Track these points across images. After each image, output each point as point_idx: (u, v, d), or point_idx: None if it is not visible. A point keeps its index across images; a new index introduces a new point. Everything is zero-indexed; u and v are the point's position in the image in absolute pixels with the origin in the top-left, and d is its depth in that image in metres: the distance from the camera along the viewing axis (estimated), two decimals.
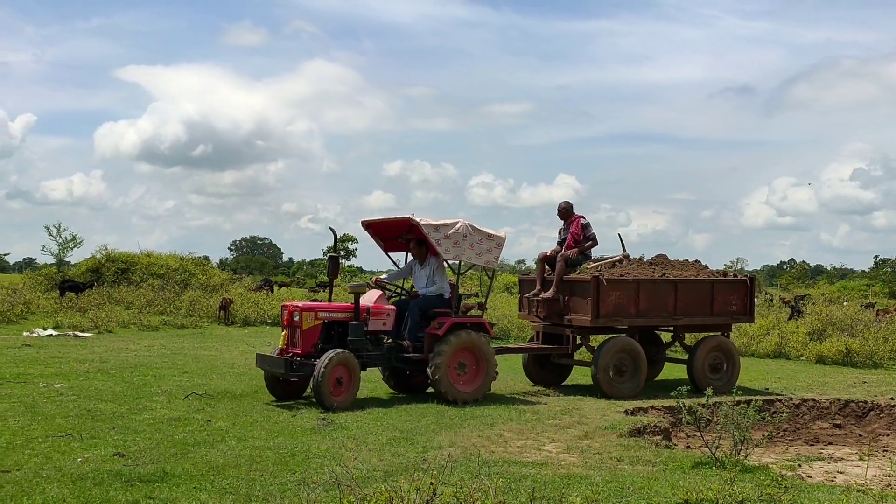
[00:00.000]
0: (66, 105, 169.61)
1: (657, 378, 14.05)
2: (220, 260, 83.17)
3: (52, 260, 42.33)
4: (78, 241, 42.42)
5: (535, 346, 13.49)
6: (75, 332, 20.56)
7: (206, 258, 42.39)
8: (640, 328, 12.85)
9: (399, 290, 12.45)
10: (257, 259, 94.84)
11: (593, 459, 7.84)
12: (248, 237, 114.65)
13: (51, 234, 42.46)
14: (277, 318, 27.21)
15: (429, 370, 11.04)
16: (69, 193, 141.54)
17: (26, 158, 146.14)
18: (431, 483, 4.89)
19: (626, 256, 13.42)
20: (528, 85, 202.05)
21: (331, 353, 10.53)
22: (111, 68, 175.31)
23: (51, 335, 20.10)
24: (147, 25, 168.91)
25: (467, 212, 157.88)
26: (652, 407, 11.16)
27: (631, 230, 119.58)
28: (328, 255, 12.18)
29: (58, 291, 26.77)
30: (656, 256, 13.66)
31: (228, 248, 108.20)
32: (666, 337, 14.07)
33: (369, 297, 11.59)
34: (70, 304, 24.91)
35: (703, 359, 12.92)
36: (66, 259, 42.14)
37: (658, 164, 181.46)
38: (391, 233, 12.52)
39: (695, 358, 12.92)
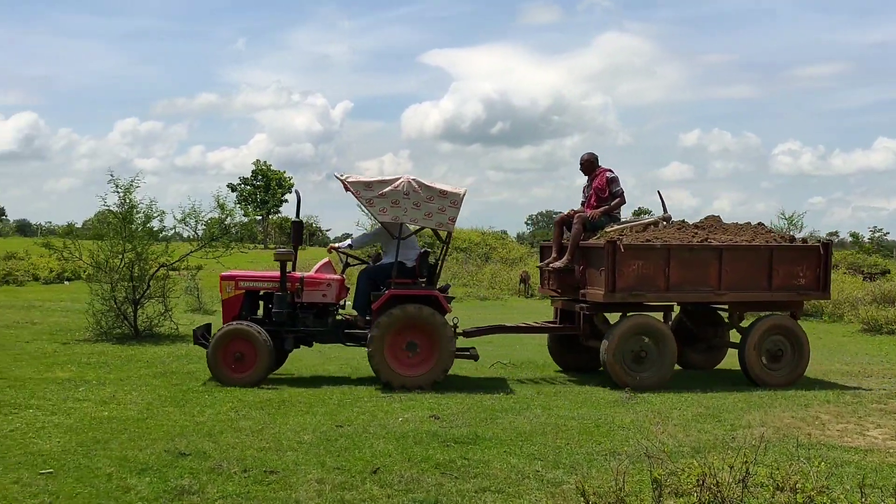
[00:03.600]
0: (378, 90, 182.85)
1: (719, 366, 11.99)
2: (518, 234, 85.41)
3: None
4: None
5: (532, 325, 11.73)
6: None
7: (505, 232, 43.70)
8: (684, 305, 11.04)
9: (356, 258, 10.86)
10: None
11: None
12: (544, 211, 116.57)
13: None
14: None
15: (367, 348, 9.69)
16: (380, 172, 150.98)
17: (344, 142, 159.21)
18: (745, 462, 4.71)
19: (667, 218, 11.24)
20: (839, 44, 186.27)
21: (226, 327, 9.73)
22: (416, 54, 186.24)
23: None
24: (448, 10, 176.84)
25: (771, 181, 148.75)
26: None
27: None
28: (292, 220, 10.54)
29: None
30: (706, 218, 11.34)
31: (525, 223, 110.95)
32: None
33: (321, 267, 10.46)
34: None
35: (757, 344, 10.41)
36: None
37: None
38: None
39: (746, 343, 10.42)
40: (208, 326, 10.32)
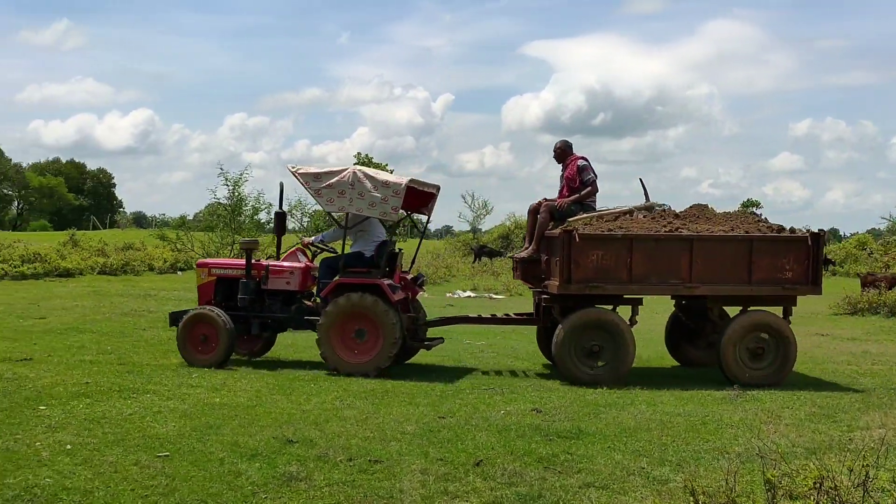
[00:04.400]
0: (479, 83, 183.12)
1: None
2: None
3: (466, 227, 45.86)
4: (489, 208, 45.50)
5: (499, 316, 11.42)
6: (490, 295, 22.19)
7: None
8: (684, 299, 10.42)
9: (325, 248, 11.00)
10: None
11: None
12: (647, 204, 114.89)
13: (466, 202, 46.11)
14: None
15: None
16: (481, 165, 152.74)
17: (444, 134, 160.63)
18: (865, 465, 4.51)
19: (650, 207, 10.59)
20: None
21: (191, 311, 10.28)
22: (518, 45, 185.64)
23: (469, 296, 21.94)
24: (550, 0, 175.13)
25: (888, 171, 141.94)
26: None
27: None
28: (275, 211, 10.81)
29: (472, 256, 29.07)
30: (691, 207, 10.62)
31: None
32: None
33: (288, 255, 10.89)
34: (484, 268, 26.92)
35: (735, 341, 9.73)
36: (479, 226, 45.56)
37: None
38: None
39: (722, 339, 9.77)
40: (186, 311, 10.60)
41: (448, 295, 22.25)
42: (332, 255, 10.76)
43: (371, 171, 10.25)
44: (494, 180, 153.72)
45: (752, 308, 10.02)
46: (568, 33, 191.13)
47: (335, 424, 7.06)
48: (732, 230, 9.83)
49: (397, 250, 10.80)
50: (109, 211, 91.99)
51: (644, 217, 10.24)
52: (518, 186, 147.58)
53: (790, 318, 10.10)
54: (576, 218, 10.18)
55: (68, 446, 6.10)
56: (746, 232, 9.78)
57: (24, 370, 9.16)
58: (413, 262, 12.35)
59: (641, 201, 10.76)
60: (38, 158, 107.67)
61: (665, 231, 9.78)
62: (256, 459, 5.94)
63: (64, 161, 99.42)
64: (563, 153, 11.02)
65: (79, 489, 5.20)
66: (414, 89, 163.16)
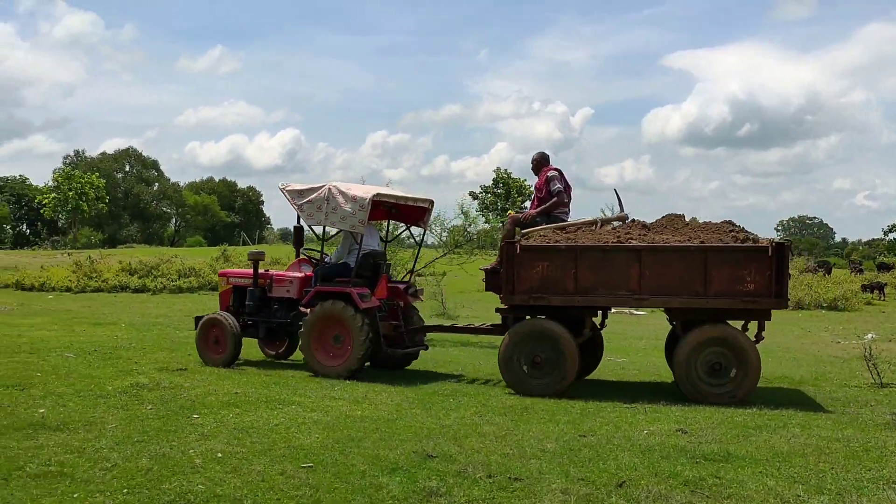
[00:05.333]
0: (618, 95, 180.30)
1: None
2: None
3: None
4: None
5: (470, 326, 11.62)
6: (631, 311, 21.72)
7: None
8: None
9: (318, 260, 11.55)
10: (807, 239, 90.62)
11: None
12: (796, 217, 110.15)
13: (603, 215, 45.40)
14: (833, 302, 25.56)
15: None
16: (620, 178, 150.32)
17: (583, 148, 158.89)
18: None
19: (623, 218, 10.36)
20: None
21: (206, 316, 11.31)
22: (659, 56, 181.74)
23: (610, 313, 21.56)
24: (692, 10, 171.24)
25: None
26: None
27: None
28: (294, 226, 11.35)
29: None
30: (664, 217, 10.18)
31: (775, 229, 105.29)
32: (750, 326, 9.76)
33: (292, 266, 11.85)
34: None
35: (690, 355, 9.25)
36: None
37: None
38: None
39: (676, 354, 9.36)
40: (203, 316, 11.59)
41: None
42: (328, 264, 11.23)
43: (344, 186, 10.69)
44: (634, 194, 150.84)
45: (711, 323, 9.45)
46: (711, 42, 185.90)
47: (474, 440, 7.04)
48: (689, 240, 9.41)
49: (381, 262, 11.22)
50: (258, 227, 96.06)
51: (613, 228, 10.05)
52: (658, 200, 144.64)
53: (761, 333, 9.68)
54: (534, 229, 10.16)
55: (219, 454, 6.33)
56: (703, 242, 9.31)
57: (180, 380, 9.61)
58: (412, 273, 12.50)
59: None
60: (194, 178, 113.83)
61: (614, 241, 9.54)
62: (397, 473, 5.98)
63: (217, 180, 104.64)
64: (538, 164, 10.97)
65: (229, 497, 5.37)
66: (552, 104, 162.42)
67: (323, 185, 10.68)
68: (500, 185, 68.83)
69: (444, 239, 15.82)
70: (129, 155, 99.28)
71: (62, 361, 10.99)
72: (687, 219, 10.23)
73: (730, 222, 10.03)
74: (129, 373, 10.06)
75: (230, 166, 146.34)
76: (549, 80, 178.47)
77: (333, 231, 11.59)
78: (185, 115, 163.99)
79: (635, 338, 15.57)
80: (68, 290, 26.30)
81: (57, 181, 79.29)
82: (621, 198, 10.88)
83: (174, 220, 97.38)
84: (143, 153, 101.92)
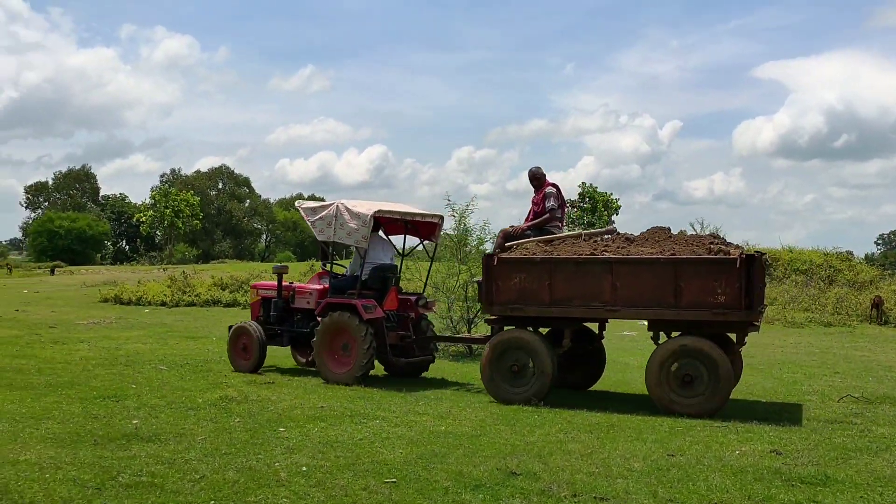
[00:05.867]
0: (707, 108, 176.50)
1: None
2: (866, 255, 77.99)
3: None
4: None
5: (464, 336, 12.14)
6: None
7: (850, 253, 40.12)
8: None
9: (335, 273, 12.07)
10: None
11: None
12: (609, 227, 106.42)
13: (694, 230, 44.48)
14: None
15: None
16: (710, 192, 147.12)
17: (672, 162, 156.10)
18: None
19: (612, 231, 10.64)
20: None
21: (235, 325, 12.16)
22: (749, 67, 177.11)
23: None
24: (784, 20, 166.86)
25: None
26: None
27: None
28: (320, 241, 11.76)
29: None
30: (650, 230, 10.21)
31: (875, 242, 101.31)
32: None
33: (312, 279, 12.62)
34: None
35: (659, 367, 9.23)
36: None
37: None
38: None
39: (647, 366, 9.38)
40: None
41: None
42: (345, 276, 11.87)
43: (351, 203, 11.21)
44: (724, 208, 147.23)
45: (683, 333, 9.39)
46: (804, 52, 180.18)
47: (559, 458, 6.92)
48: (661, 253, 9.38)
49: (390, 275, 11.79)
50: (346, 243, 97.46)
51: (602, 241, 10.08)
52: (750, 214, 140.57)
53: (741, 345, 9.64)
54: (519, 242, 10.39)
55: (304, 468, 6.38)
56: (673, 254, 9.27)
57: (268, 393, 9.77)
58: (425, 285, 13.12)
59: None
60: (284, 194, 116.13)
61: (587, 254, 9.68)
62: (480, 490, 5.92)
63: (306, 196, 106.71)
64: (535, 179, 11.18)
65: None
66: (640, 117, 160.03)
67: (332, 203, 11.32)
68: (587, 199, 68.17)
69: None
70: (222, 172, 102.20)
71: (156, 374, 11.31)
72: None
73: (714, 235, 10.20)
74: (219, 386, 10.28)
75: (319, 182, 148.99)
76: (637, 94, 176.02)
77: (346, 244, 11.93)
78: (276, 133, 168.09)
79: None
80: (163, 304, 27.10)
81: (154, 199, 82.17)
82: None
83: (265, 235, 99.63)
84: (236, 171, 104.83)
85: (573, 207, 68.75)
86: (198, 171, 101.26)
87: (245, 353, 11.93)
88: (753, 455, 7.18)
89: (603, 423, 8.50)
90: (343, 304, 11.03)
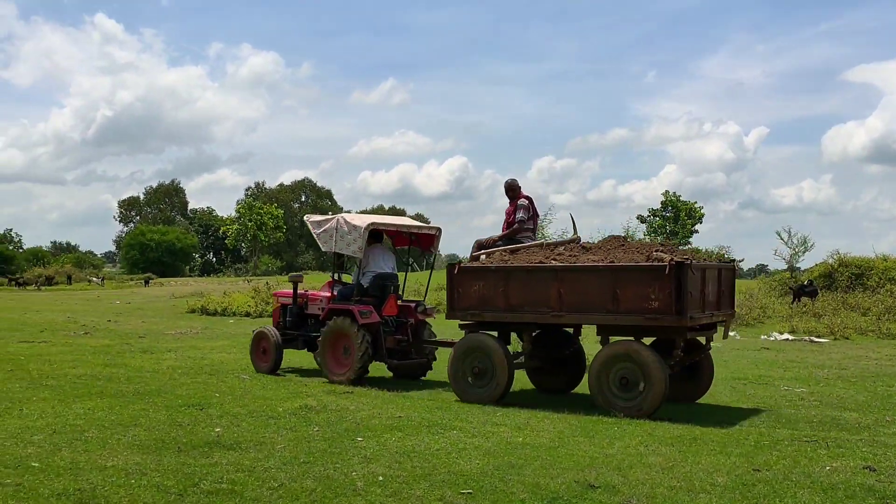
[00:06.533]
0: (795, 113, 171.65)
1: None
2: None
3: (783, 265, 43.14)
4: (808, 244, 42.47)
5: (441, 340, 12.62)
6: (811, 338, 20.49)
7: None
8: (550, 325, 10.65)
9: (341, 282, 13.28)
10: None
11: None
12: (573, 237, 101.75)
13: (781, 239, 43.33)
14: None
15: None
16: (798, 199, 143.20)
17: (758, 169, 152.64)
18: None
19: (576, 240, 11.33)
20: None
21: (256, 330, 13.41)
22: (840, 71, 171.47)
23: (787, 339, 20.39)
24: (875, 21, 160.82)
25: None
26: None
27: None
28: (333, 251, 12.58)
29: (791, 296, 27.08)
30: (605, 238, 11.12)
31: None
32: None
33: (323, 287, 13.67)
34: (804, 309, 24.95)
35: (599, 371, 9.71)
36: (797, 265, 42.61)
37: None
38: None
39: (590, 369, 9.99)
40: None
41: (763, 338, 20.85)
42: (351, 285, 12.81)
43: (350, 217, 12.36)
44: (813, 216, 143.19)
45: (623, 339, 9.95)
46: None
47: (639, 471, 6.76)
48: (604, 260, 9.88)
49: (389, 283, 12.68)
50: (427, 253, 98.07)
51: (560, 250, 10.69)
52: (841, 221, 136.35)
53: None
54: (487, 251, 11.12)
55: (380, 478, 6.39)
56: (612, 262, 9.75)
57: (346, 402, 9.85)
58: (426, 293, 15.02)
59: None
60: (366, 206, 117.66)
61: (536, 262, 10.25)
62: (557, 503, 5.83)
63: (386, 208, 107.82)
64: (510, 190, 11.85)
65: None
66: (724, 124, 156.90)
67: (334, 217, 12.50)
68: (669, 208, 67.11)
69: None
70: (304, 186, 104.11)
71: (238, 383, 11.53)
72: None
73: (663, 243, 10.61)
74: (299, 395, 10.41)
75: (400, 194, 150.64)
76: (722, 101, 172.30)
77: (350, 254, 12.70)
78: (358, 145, 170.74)
79: (816, 366, 14.59)
80: (247, 314, 27.69)
81: (239, 212, 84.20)
82: (575, 221, 11.90)
83: None
84: (318, 183, 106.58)
85: (655, 216, 67.77)
86: (281, 185, 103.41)
87: (264, 356, 13.00)
88: (845, 471, 6.87)
89: (685, 436, 8.28)
90: (343, 310, 11.97)
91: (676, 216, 66.13)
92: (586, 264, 9.90)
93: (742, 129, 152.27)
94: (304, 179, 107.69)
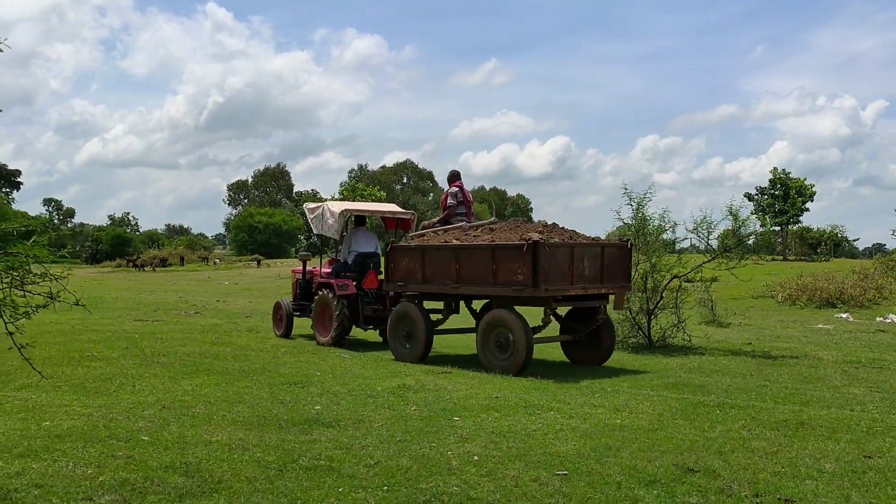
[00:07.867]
0: None
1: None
2: None
3: None
4: None
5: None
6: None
7: None
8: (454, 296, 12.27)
9: (337, 258, 15.14)
10: None
11: None
12: (491, 220, 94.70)
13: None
14: None
15: None
16: None
17: (876, 144, 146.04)
18: None
19: (494, 223, 12.65)
20: None
21: (277, 301, 15.79)
22: None
23: None
24: None
25: None
26: None
27: None
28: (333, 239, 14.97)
29: None
30: (510, 220, 12.72)
31: None
32: None
33: (326, 264, 15.68)
34: None
35: (483, 335, 11.49)
36: None
37: None
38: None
39: (477, 333, 11.76)
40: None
41: (878, 320, 19.95)
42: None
43: (332, 204, 14.59)
44: None
45: (500, 307, 11.53)
46: None
47: (741, 455, 6.57)
48: (492, 240, 11.42)
49: (370, 260, 14.56)
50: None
51: (480, 231, 12.13)
52: None
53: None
54: (422, 231, 13.18)
55: (475, 457, 6.40)
56: (492, 241, 11.38)
57: (444, 382, 9.90)
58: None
59: None
60: (468, 187, 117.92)
61: (441, 242, 12.07)
62: (654, 486, 5.72)
63: (487, 189, 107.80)
64: (449, 181, 14.10)
65: (482, 500, 5.40)
66: (839, 98, 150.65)
67: (321, 204, 14.79)
68: (778, 185, 64.73)
69: (712, 243, 15.01)
70: (406, 167, 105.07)
71: (339, 362, 11.75)
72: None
73: (554, 224, 11.87)
74: (398, 374, 10.53)
75: (502, 175, 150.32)
76: (836, 73, 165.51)
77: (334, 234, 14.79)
78: (461, 127, 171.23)
79: None
80: None
81: (342, 194, 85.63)
82: (495, 206, 13.98)
83: None
84: (420, 165, 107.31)
85: (763, 195, 65.46)
86: (384, 167, 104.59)
87: (280, 322, 15.36)
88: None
89: (791, 421, 8.00)
90: (327, 284, 14.16)
91: (786, 194, 63.69)
92: (475, 243, 11.61)
93: (859, 103, 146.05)
94: (406, 161, 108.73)
